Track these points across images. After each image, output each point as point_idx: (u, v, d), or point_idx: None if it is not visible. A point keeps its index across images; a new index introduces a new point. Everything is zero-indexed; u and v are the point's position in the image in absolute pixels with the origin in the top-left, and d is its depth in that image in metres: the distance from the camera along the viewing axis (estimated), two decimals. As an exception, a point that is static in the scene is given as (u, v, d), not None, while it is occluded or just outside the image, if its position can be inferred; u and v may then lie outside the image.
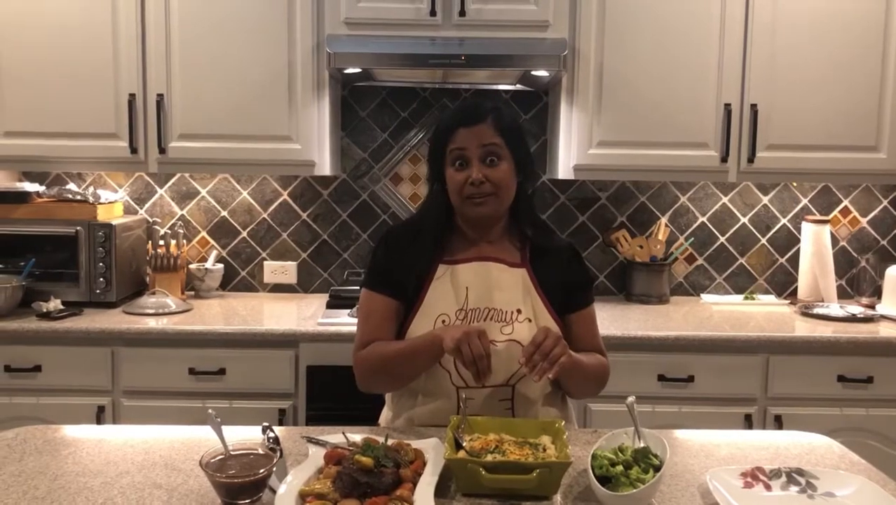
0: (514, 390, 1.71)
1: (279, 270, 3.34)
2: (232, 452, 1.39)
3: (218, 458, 1.37)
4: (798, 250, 3.30)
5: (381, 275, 1.78)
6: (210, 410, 1.46)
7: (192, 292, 3.23)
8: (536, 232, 1.82)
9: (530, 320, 1.72)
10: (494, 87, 3.25)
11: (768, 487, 1.40)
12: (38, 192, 3.02)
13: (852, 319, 2.92)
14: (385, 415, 1.87)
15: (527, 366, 1.53)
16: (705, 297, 3.32)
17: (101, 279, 2.90)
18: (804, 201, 3.34)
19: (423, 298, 1.74)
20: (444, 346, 1.56)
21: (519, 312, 1.72)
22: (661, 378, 2.68)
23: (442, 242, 1.79)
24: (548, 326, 1.65)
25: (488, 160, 1.70)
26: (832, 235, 3.25)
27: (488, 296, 1.73)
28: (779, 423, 2.68)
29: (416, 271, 1.75)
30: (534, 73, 2.84)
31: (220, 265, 3.26)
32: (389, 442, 1.42)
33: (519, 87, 3.22)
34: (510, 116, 1.79)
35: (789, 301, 3.25)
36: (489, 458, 1.38)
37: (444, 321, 1.71)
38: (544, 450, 1.43)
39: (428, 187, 1.85)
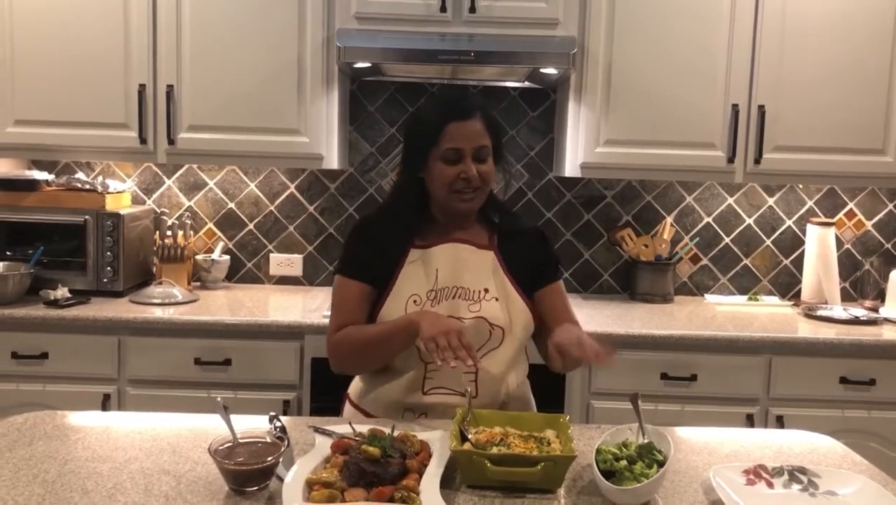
0: (478, 366, 1.73)
1: (285, 262, 3.35)
2: (240, 441, 1.40)
3: (226, 445, 1.39)
4: (802, 252, 3.31)
5: (355, 262, 1.84)
6: (218, 399, 1.47)
7: (199, 283, 3.25)
8: (503, 217, 1.91)
9: (497, 299, 1.79)
10: (503, 83, 3.26)
11: (770, 485, 1.41)
12: (47, 180, 3.03)
13: (855, 321, 2.92)
14: (357, 387, 1.91)
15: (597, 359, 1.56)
16: (709, 297, 3.33)
17: (109, 268, 2.91)
18: (809, 203, 3.35)
19: (395, 281, 1.80)
20: (421, 335, 1.61)
21: (486, 291, 1.79)
22: (664, 376, 2.68)
23: (414, 229, 1.84)
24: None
25: (479, 157, 1.76)
26: (837, 238, 3.26)
27: (457, 275, 1.80)
28: (780, 423, 2.68)
29: (388, 257, 1.81)
30: (542, 70, 2.85)
31: (227, 257, 3.28)
32: (396, 433, 1.43)
33: (527, 84, 3.23)
34: (492, 110, 1.86)
35: (793, 303, 3.26)
36: (494, 450, 1.40)
37: (415, 301, 1.77)
38: (549, 444, 1.45)
39: (400, 174, 1.89)
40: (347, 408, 1.91)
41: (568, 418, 1.53)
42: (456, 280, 1.79)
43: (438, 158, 1.75)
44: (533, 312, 1.83)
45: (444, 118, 1.75)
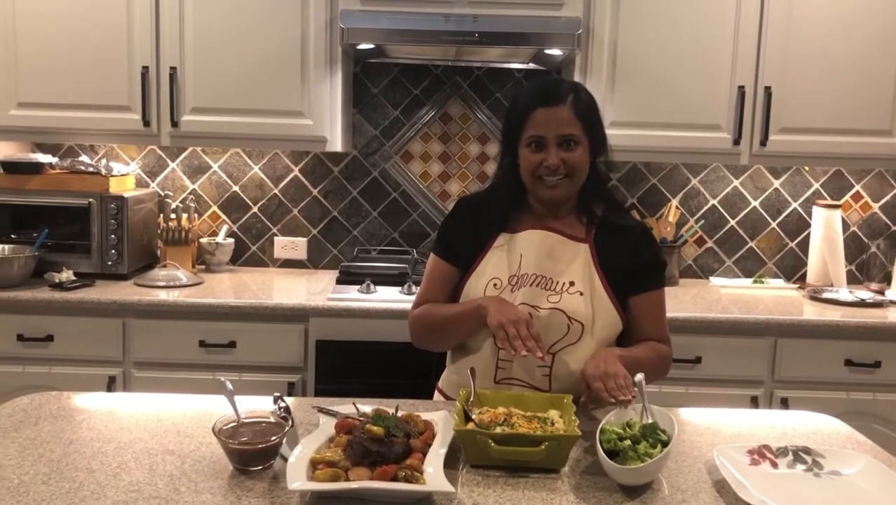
0: (555, 359, 1.71)
1: (289, 245, 3.35)
2: (244, 420, 1.41)
3: (230, 425, 1.39)
4: (808, 235, 3.29)
5: (444, 243, 1.86)
6: (223, 379, 1.48)
7: (203, 266, 3.25)
8: (607, 210, 1.82)
9: (582, 294, 1.72)
10: (507, 65, 3.24)
11: (775, 465, 1.41)
12: (51, 163, 3.03)
13: (861, 303, 2.91)
14: (444, 374, 1.92)
15: (616, 399, 1.52)
16: (714, 279, 3.32)
17: (113, 251, 2.92)
18: (815, 186, 3.33)
19: (480, 263, 1.79)
20: (489, 322, 1.62)
21: (572, 283, 1.73)
22: (669, 359, 2.68)
23: (508, 216, 1.82)
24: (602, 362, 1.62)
25: (565, 145, 1.71)
26: (843, 220, 3.24)
27: (540, 263, 1.75)
28: (785, 406, 2.68)
29: (477, 240, 1.81)
30: (547, 51, 2.82)
31: (231, 240, 3.28)
32: (400, 413, 1.43)
33: (532, 65, 3.21)
34: (588, 98, 1.78)
35: (798, 285, 3.25)
36: (498, 430, 1.40)
37: (495, 285, 1.75)
38: (553, 424, 1.45)
39: (498, 162, 1.86)
40: (437, 395, 1.91)
41: (572, 399, 1.53)
42: (539, 268, 1.74)
43: (524, 145, 1.73)
44: (621, 313, 1.75)
45: (531, 104, 1.72)
